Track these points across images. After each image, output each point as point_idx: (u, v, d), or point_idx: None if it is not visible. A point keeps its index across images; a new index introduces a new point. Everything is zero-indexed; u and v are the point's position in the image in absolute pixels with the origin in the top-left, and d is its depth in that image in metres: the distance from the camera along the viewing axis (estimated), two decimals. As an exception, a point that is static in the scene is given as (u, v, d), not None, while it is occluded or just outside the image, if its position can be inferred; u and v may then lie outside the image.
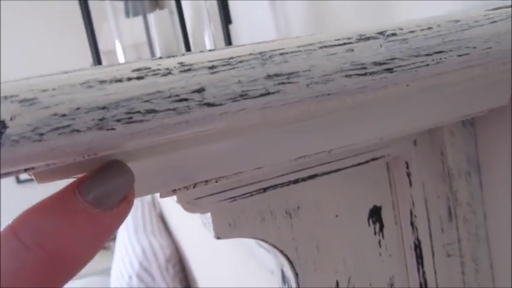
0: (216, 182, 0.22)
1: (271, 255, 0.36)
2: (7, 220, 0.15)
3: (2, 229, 0.15)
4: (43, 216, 0.15)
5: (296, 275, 0.33)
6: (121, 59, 0.80)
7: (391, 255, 0.36)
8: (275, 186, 0.30)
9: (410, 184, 0.34)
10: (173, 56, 0.15)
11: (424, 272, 0.36)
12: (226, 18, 0.60)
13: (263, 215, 0.31)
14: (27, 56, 2.42)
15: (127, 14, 0.77)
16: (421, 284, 0.36)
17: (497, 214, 0.35)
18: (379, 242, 0.35)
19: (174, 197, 0.27)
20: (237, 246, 0.95)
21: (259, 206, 0.31)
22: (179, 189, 0.22)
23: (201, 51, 0.16)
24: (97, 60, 0.54)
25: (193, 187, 0.22)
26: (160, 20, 0.55)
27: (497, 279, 0.36)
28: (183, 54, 0.15)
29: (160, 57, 0.15)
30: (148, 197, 2.31)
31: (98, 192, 0.15)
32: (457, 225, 0.35)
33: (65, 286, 0.16)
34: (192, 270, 1.53)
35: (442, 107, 0.24)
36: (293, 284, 0.33)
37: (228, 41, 0.59)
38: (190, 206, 0.27)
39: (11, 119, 0.12)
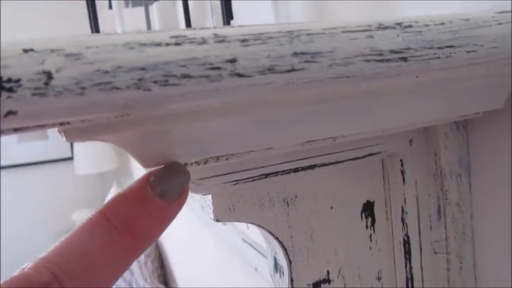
0: (227, 159, 0.23)
1: (265, 243, 0.36)
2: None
3: (94, 213, 0.19)
4: (127, 204, 0.19)
5: (289, 262, 0.33)
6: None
7: (381, 249, 0.37)
8: (276, 173, 0.31)
9: (404, 182, 0.36)
10: (207, 28, 0.16)
11: (411, 268, 0.37)
12: (228, 13, 0.61)
13: (262, 201, 0.32)
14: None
15: (126, 4, 0.78)
16: (407, 279, 0.37)
17: (484, 215, 0.36)
18: (370, 236, 0.36)
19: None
20: (220, 243, 0.95)
21: (258, 192, 0.31)
22: (191, 164, 0.22)
23: (231, 26, 0.16)
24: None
25: (204, 163, 0.22)
26: (164, 10, 0.56)
27: (480, 278, 0.37)
28: (215, 27, 0.16)
29: (194, 28, 0.16)
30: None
31: (163, 187, 0.19)
32: (445, 224, 0.36)
33: None
34: (171, 267, 1.53)
35: (444, 104, 0.25)
36: (286, 271, 0.34)
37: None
38: (194, 186, 0.28)
39: (57, 71, 0.13)
